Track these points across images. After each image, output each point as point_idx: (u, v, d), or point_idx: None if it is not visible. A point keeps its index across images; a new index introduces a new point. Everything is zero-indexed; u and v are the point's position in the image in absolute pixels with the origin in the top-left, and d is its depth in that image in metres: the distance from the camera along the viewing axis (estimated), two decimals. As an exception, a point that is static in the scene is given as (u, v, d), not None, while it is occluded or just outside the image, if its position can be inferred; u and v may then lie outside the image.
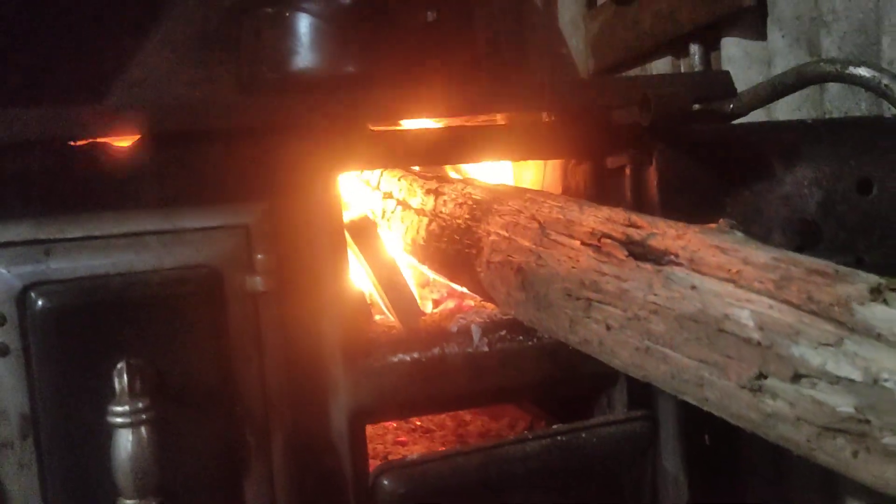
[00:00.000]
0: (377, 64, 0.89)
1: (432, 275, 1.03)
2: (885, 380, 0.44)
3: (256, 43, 0.96)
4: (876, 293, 0.48)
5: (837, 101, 1.05)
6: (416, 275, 1.07)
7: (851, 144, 0.76)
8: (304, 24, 0.93)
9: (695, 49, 1.41)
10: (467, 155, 0.81)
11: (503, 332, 0.80)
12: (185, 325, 0.67)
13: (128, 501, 0.60)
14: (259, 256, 0.70)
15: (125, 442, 0.60)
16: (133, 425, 0.60)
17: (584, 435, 0.74)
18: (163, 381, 0.64)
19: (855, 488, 1.11)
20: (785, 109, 1.19)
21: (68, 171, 0.66)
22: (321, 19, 0.93)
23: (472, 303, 0.94)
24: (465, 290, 0.92)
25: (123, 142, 0.68)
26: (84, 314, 0.63)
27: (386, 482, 0.69)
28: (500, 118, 0.89)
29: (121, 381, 0.61)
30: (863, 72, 0.81)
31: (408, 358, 0.76)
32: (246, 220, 0.70)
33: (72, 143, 0.66)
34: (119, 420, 0.60)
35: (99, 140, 0.67)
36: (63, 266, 0.64)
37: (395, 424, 1.09)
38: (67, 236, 0.65)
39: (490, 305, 0.87)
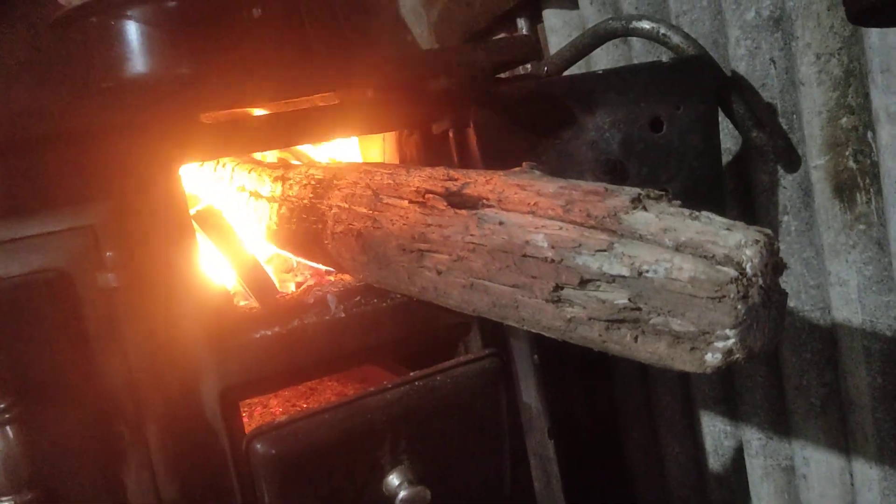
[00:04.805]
0: (208, 62, 0.93)
1: (294, 259, 1.08)
2: (647, 271, 0.53)
3: (86, 54, 0.98)
4: (637, 202, 0.57)
5: (643, 57, 1.16)
6: (280, 261, 1.12)
7: (638, 89, 0.86)
8: (131, 30, 0.95)
9: (522, 23, 1.51)
10: (300, 136, 0.86)
11: (358, 298, 0.86)
12: (41, 327, 0.69)
13: (3, 498, 0.63)
14: (108, 254, 0.72)
15: (-8, 442, 0.62)
16: (-2, 425, 0.62)
17: (438, 378, 0.80)
18: (25, 381, 0.67)
19: (702, 391, 1.24)
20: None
21: None
22: (148, 25, 0.95)
23: (332, 279, 0.99)
24: (320, 266, 0.97)
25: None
26: (-67, 328, 0.65)
27: (259, 446, 0.73)
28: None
29: (-21, 386, 0.63)
30: (644, 24, 0.92)
31: (269, 332, 0.81)
32: (91, 221, 0.72)
33: None
34: (-18, 422, 0.62)
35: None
36: None
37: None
38: None
39: (347, 277, 0.93)
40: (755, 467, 1.15)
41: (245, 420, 1.14)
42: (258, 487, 0.74)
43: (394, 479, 0.78)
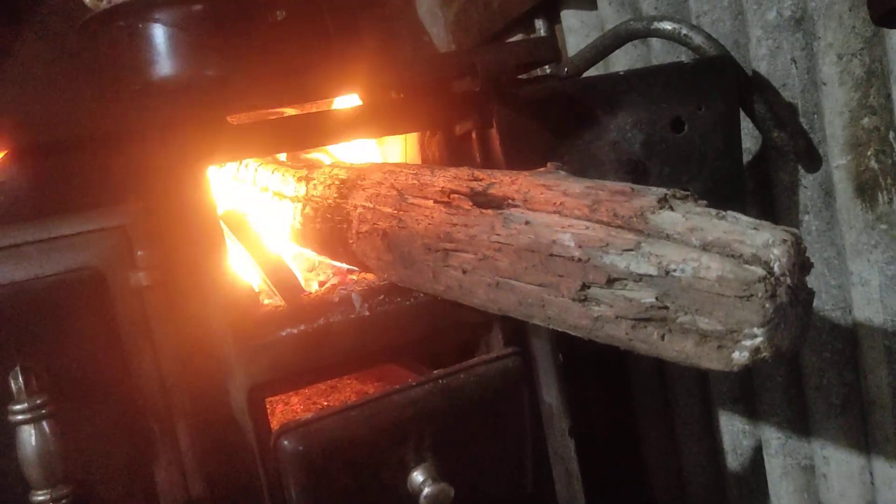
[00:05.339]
0: (234, 64, 0.94)
1: (316, 257, 1.09)
2: (674, 270, 0.54)
3: (115, 57, 0.99)
4: (663, 202, 0.58)
5: (662, 57, 1.17)
6: (302, 260, 1.13)
7: (660, 89, 0.87)
8: (158, 33, 0.97)
9: (539, 24, 1.52)
10: (324, 137, 0.87)
11: (382, 297, 0.86)
12: (75, 325, 0.70)
13: (39, 492, 0.64)
14: (140, 253, 0.74)
15: (28, 437, 0.64)
16: (34, 421, 0.64)
17: (462, 376, 0.81)
18: (59, 378, 0.68)
19: (720, 391, 1.24)
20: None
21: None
22: (175, 28, 0.97)
23: (354, 277, 1.00)
24: (343, 265, 0.98)
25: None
26: (-30, 326, 0.66)
27: (286, 442, 0.74)
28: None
29: (16, 383, 0.64)
30: (666, 25, 0.93)
31: (295, 331, 0.82)
32: (123, 221, 0.74)
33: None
34: (20, 418, 0.63)
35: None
36: (-57, 285, 0.67)
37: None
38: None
39: (370, 276, 0.94)
40: (774, 466, 1.15)
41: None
42: (285, 483, 0.75)
43: (418, 476, 0.79)
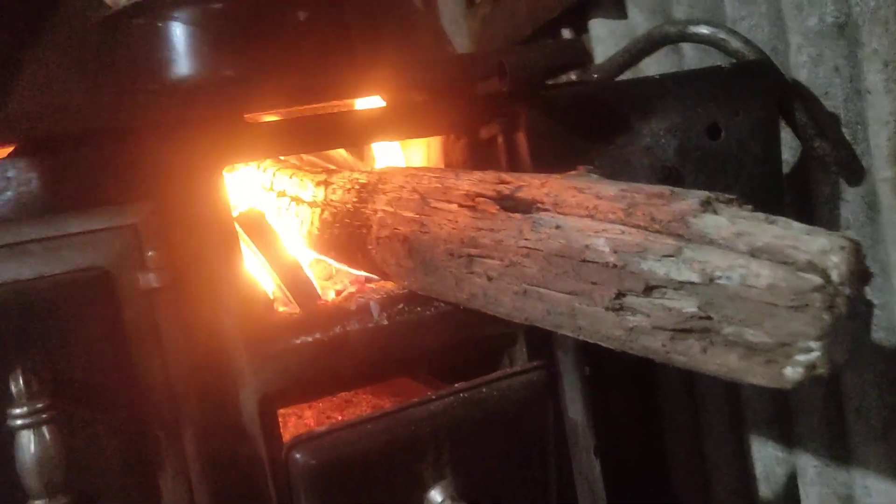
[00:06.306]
0: (253, 64, 0.92)
1: (334, 265, 1.06)
2: (719, 277, 0.50)
3: (131, 56, 0.97)
4: (706, 205, 0.54)
5: (694, 64, 1.13)
6: (320, 268, 1.10)
7: (695, 94, 0.83)
8: (177, 33, 0.94)
9: (566, 33, 1.49)
10: (345, 139, 0.84)
11: (401, 306, 0.83)
12: (80, 326, 0.67)
13: (37, 502, 0.61)
14: (150, 254, 0.71)
15: (28, 443, 0.60)
16: (34, 426, 0.60)
17: (483, 390, 0.77)
18: (62, 381, 0.65)
19: (753, 411, 1.19)
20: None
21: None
22: (194, 27, 0.95)
23: (373, 286, 0.97)
24: (362, 272, 0.95)
25: (-2, 153, 0.68)
26: (-29, 326, 0.63)
27: (298, 456, 0.70)
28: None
29: (17, 385, 0.61)
30: (702, 29, 0.89)
31: (310, 339, 0.78)
32: (133, 220, 0.71)
33: (-57, 159, 0.67)
34: (19, 422, 0.60)
35: (-29, 154, 0.68)
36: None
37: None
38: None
39: (389, 284, 0.90)
40: (811, 496, 1.10)
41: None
42: (296, 498, 0.72)
43: (436, 495, 0.75)
